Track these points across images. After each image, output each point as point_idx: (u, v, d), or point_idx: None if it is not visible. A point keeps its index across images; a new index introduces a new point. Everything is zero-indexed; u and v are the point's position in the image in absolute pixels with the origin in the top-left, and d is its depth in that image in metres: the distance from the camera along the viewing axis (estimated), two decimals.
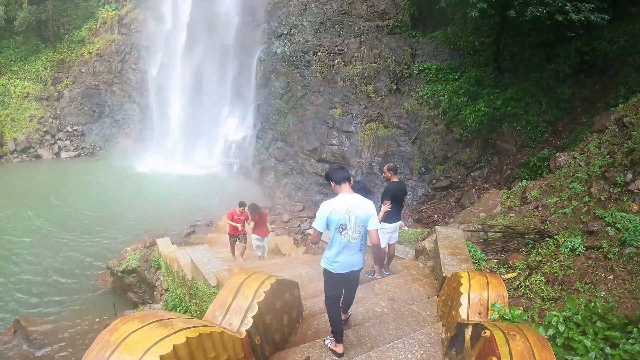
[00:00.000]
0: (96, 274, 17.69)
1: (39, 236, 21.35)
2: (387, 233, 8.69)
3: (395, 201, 8.40)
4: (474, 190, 18.63)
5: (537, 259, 7.79)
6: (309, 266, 9.92)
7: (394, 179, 8.65)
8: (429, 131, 22.45)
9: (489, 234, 9.60)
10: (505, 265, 7.98)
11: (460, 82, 22.35)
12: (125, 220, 23.11)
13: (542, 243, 8.27)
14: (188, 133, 33.38)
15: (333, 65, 27.35)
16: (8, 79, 37.39)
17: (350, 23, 27.91)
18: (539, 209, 10.22)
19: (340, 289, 5.79)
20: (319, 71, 27.59)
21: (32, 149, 35.58)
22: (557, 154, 12.28)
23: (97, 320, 14.48)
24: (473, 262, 7.32)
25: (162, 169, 30.98)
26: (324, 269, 5.63)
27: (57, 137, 36.96)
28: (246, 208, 13.63)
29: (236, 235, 13.96)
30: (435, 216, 18.30)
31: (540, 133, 18.41)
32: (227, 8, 32.40)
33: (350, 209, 5.31)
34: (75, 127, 37.78)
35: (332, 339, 5.70)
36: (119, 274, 15.89)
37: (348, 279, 5.67)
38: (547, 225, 9.14)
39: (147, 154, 33.03)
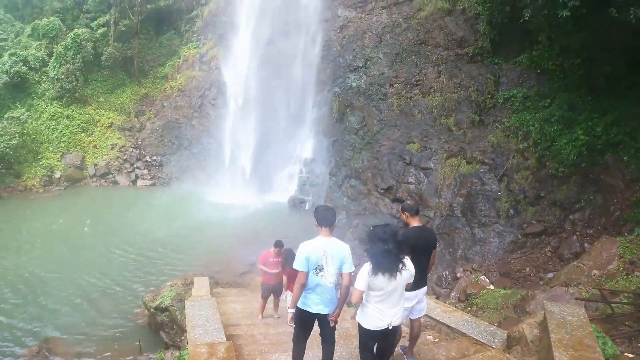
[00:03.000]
0: (139, 305, 17.11)
1: (95, 257, 21.94)
2: (408, 303, 6.22)
3: (417, 256, 5.96)
4: (574, 237, 16.01)
5: None
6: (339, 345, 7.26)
7: (414, 223, 6.42)
8: (518, 166, 20.11)
9: (612, 305, 7.28)
10: None
11: (552, 109, 19.92)
12: (183, 250, 22.96)
13: None
14: (262, 168, 33.43)
15: (410, 97, 26.02)
16: (94, 109, 40.83)
17: (427, 53, 26.50)
18: None
19: (308, 330, 5.96)
20: (395, 104, 26.36)
21: (110, 175, 37.96)
22: None
23: (123, 352, 13.92)
24: None
25: (232, 202, 30.91)
26: (296, 307, 5.87)
27: (135, 166, 38.94)
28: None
29: (271, 285, 11.60)
30: (527, 269, 15.71)
31: None
32: (304, 43, 32.45)
33: (327, 251, 5.56)
34: (154, 157, 39.57)
35: None
36: (151, 310, 15.02)
37: (315, 321, 5.84)
38: None
39: (219, 187, 33.47)
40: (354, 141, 26.86)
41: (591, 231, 15.74)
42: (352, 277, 5.61)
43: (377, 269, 5.16)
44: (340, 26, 31.06)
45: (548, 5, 16.35)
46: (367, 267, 5.29)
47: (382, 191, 23.64)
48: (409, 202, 6.82)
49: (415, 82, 26.16)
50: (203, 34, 43.00)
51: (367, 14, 30.01)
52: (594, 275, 9.46)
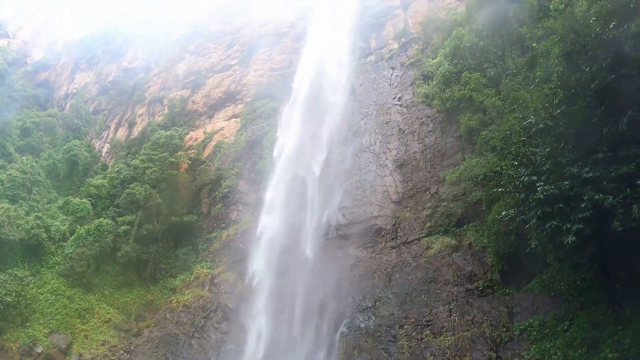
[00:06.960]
0: None
1: None
2: None
3: None
4: None
5: None
6: None
7: None
8: None
9: None
10: None
11: (572, 332, 18.15)
12: None
13: None
14: None
15: (421, 339, 24.34)
16: (96, 299, 39.65)
17: (437, 291, 25.76)
18: None
19: None
20: (405, 346, 24.51)
21: None
22: None
23: None
24: None
25: None
26: None
27: None
28: None
29: None
30: None
31: None
32: (317, 286, 32.00)
33: None
34: None
35: None
36: None
37: None
38: None
39: None
40: None
41: None
42: None
43: None
44: (351, 265, 31.02)
45: (553, 234, 16.39)
46: None
47: None
48: None
49: (426, 323, 24.75)
50: (218, 256, 43.28)
51: (377, 254, 30.20)
52: None
